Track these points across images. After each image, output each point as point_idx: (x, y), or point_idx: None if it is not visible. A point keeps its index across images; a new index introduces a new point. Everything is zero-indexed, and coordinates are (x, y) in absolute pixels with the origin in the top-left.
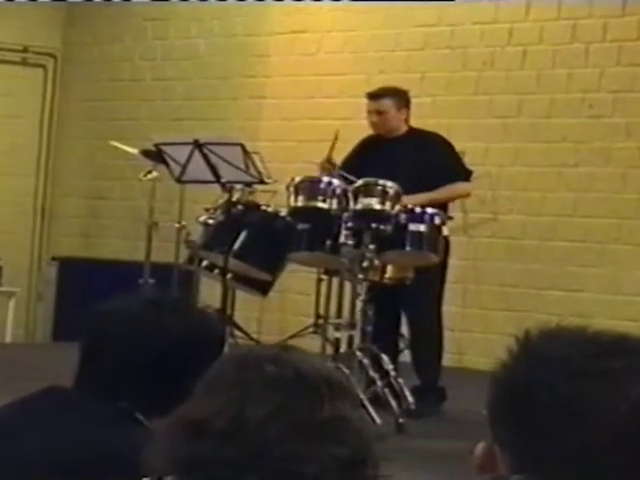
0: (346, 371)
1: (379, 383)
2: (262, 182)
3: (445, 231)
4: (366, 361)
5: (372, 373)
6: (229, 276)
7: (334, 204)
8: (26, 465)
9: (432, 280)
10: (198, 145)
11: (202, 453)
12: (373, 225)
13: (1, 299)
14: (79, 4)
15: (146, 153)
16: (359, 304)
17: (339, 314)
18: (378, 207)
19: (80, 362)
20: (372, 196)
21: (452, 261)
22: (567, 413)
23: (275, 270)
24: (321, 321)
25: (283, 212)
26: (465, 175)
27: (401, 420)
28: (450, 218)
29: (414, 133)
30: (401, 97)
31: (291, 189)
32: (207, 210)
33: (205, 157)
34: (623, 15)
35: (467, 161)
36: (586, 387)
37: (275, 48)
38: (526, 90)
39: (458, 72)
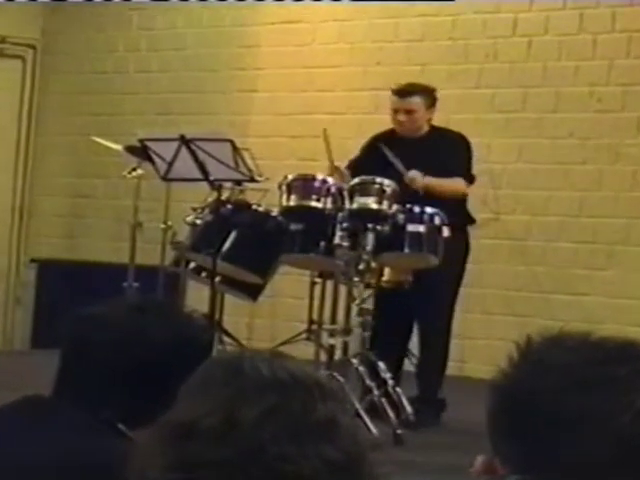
0: (341, 379)
1: (376, 392)
2: (253, 180)
3: (445, 232)
4: (362, 369)
5: (368, 382)
6: (217, 279)
7: (329, 203)
8: (2, 476)
9: (448, 284)
10: (185, 141)
11: (192, 455)
12: (370, 225)
13: None
14: None
15: (130, 149)
16: (355, 309)
17: (333, 319)
18: (375, 206)
19: (60, 370)
20: (369, 195)
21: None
22: (570, 423)
23: (266, 273)
24: (315, 327)
25: (275, 212)
26: (468, 177)
27: (399, 431)
28: (473, 221)
29: (436, 132)
30: (430, 95)
31: (283, 187)
32: (194, 210)
33: (192, 154)
34: (632, 4)
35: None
36: (589, 396)
37: (266, 39)
38: (531, 83)
39: (459, 64)
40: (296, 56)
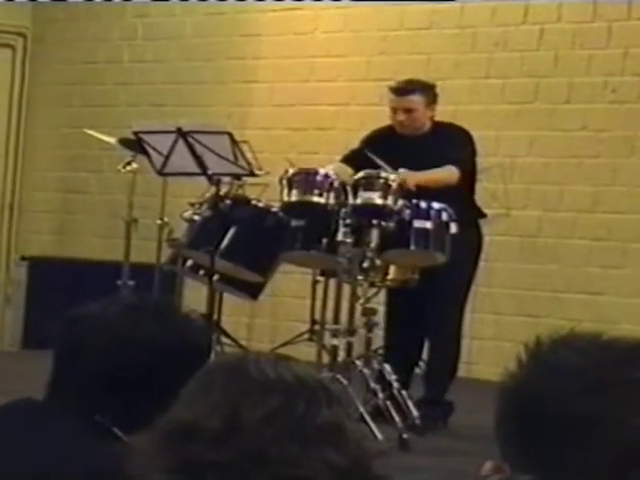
0: (344, 382)
1: (380, 395)
2: (252, 174)
3: (453, 228)
4: (366, 371)
5: (373, 384)
6: (216, 277)
7: (331, 198)
8: None
9: (459, 283)
10: (182, 134)
11: (194, 456)
12: (374, 221)
13: None
14: None
15: (125, 142)
16: (359, 308)
17: (336, 319)
18: (380, 202)
19: (52, 372)
20: (373, 190)
21: None
22: (579, 427)
23: (266, 271)
24: (317, 327)
25: (275, 207)
26: (462, 165)
27: (405, 436)
28: (484, 215)
29: (438, 129)
30: (430, 92)
31: (284, 182)
32: (192, 205)
33: (190, 147)
34: None
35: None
36: (600, 399)
37: (266, 27)
38: (542, 73)
39: (467, 54)
40: (297, 45)
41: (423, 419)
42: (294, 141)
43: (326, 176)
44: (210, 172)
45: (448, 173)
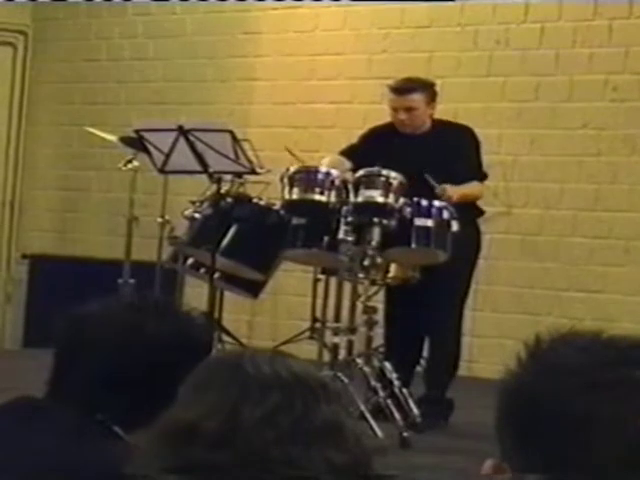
0: (345, 380)
1: (381, 393)
2: (253, 172)
3: (454, 226)
4: (367, 369)
5: (374, 382)
6: (217, 276)
7: (332, 196)
8: None
9: (459, 281)
10: (183, 131)
11: (194, 458)
12: (375, 220)
13: None
14: None
15: (126, 140)
16: (360, 306)
17: (337, 317)
18: (381, 200)
19: (53, 370)
20: (374, 188)
21: None
22: (580, 427)
23: (267, 269)
24: (318, 325)
25: (276, 205)
26: (481, 177)
27: (405, 434)
28: (482, 213)
29: (439, 127)
30: (430, 90)
31: (285, 180)
32: (193, 203)
33: (191, 145)
34: None
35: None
36: (601, 399)
37: (267, 25)
38: (543, 71)
39: (469, 52)
40: (298, 43)
41: (424, 417)
42: (295, 139)
43: (327, 174)
44: (211, 170)
45: (478, 191)
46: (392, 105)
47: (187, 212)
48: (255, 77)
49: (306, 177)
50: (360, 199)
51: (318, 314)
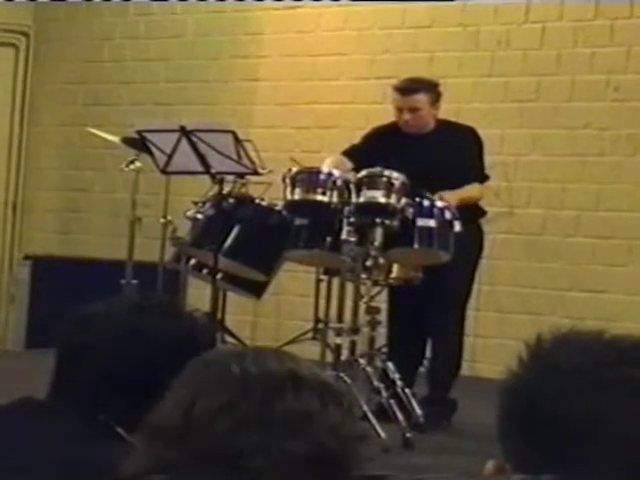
0: (348, 380)
1: (384, 394)
2: (256, 173)
3: (457, 227)
4: (370, 369)
5: (377, 383)
6: (219, 276)
7: (335, 197)
8: None
9: (461, 281)
10: (185, 132)
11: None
12: (378, 220)
13: None
14: None
15: (128, 141)
16: (363, 307)
17: (340, 318)
18: (383, 200)
19: (56, 371)
20: (376, 188)
21: None
22: (582, 427)
23: (270, 270)
24: (321, 326)
25: (279, 206)
26: (482, 178)
27: (408, 434)
28: (484, 213)
29: (443, 127)
30: (434, 90)
31: (287, 181)
32: (195, 204)
33: (193, 145)
34: None
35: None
36: (602, 399)
37: (269, 25)
38: (545, 71)
39: (470, 52)
40: (300, 43)
41: (426, 417)
42: (297, 139)
43: (329, 175)
44: (213, 171)
45: (479, 193)
46: (396, 105)
47: (189, 213)
48: (257, 78)
49: (308, 178)
50: (362, 200)
51: (321, 315)
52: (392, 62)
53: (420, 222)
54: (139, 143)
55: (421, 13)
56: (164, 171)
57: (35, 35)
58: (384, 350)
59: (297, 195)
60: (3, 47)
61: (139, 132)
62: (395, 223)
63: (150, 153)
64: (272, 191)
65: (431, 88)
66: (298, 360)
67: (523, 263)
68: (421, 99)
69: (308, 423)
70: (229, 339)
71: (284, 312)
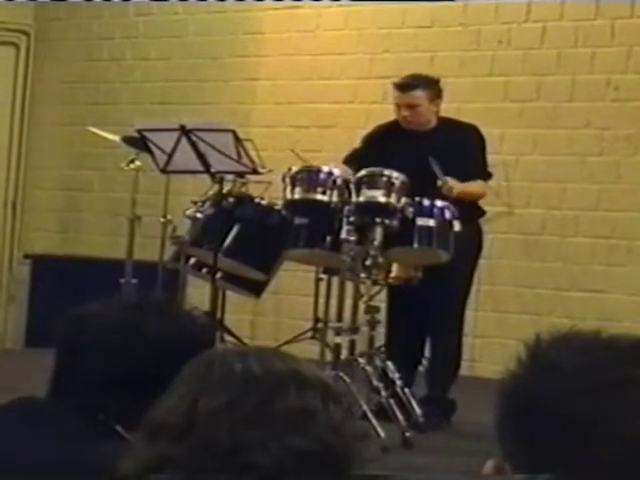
0: (347, 380)
1: (383, 393)
2: (255, 172)
3: (457, 226)
4: (369, 369)
5: (376, 382)
6: (219, 275)
7: (334, 196)
8: None
9: (460, 281)
10: (185, 131)
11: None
12: (377, 219)
13: None
14: None
15: (128, 140)
16: (362, 306)
17: (340, 317)
18: (383, 200)
19: (55, 370)
20: (376, 187)
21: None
22: (581, 428)
23: (270, 269)
24: (320, 325)
25: (278, 205)
26: (485, 176)
27: (408, 434)
28: (484, 213)
29: (445, 125)
30: (433, 87)
31: (287, 180)
32: (195, 203)
33: (193, 145)
34: None
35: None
36: (601, 399)
37: (269, 25)
38: (545, 71)
39: (471, 51)
40: (300, 43)
41: (426, 417)
42: (297, 139)
43: (329, 174)
44: (213, 170)
45: (482, 190)
46: (395, 102)
47: (189, 212)
48: (257, 77)
49: (308, 177)
50: (362, 199)
51: (320, 314)
52: (392, 62)
53: (420, 221)
54: (139, 142)
55: (421, 13)
56: (164, 170)
57: (35, 34)
58: (383, 350)
59: (297, 194)
60: (3, 46)
61: (139, 131)
62: (395, 222)
63: (150, 152)
64: (272, 190)
65: (430, 84)
66: (297, 360)
67: (522, 263)
68: (419, 95)
69: (310, 421)
70: (228, 338)
71: (283, 311)
